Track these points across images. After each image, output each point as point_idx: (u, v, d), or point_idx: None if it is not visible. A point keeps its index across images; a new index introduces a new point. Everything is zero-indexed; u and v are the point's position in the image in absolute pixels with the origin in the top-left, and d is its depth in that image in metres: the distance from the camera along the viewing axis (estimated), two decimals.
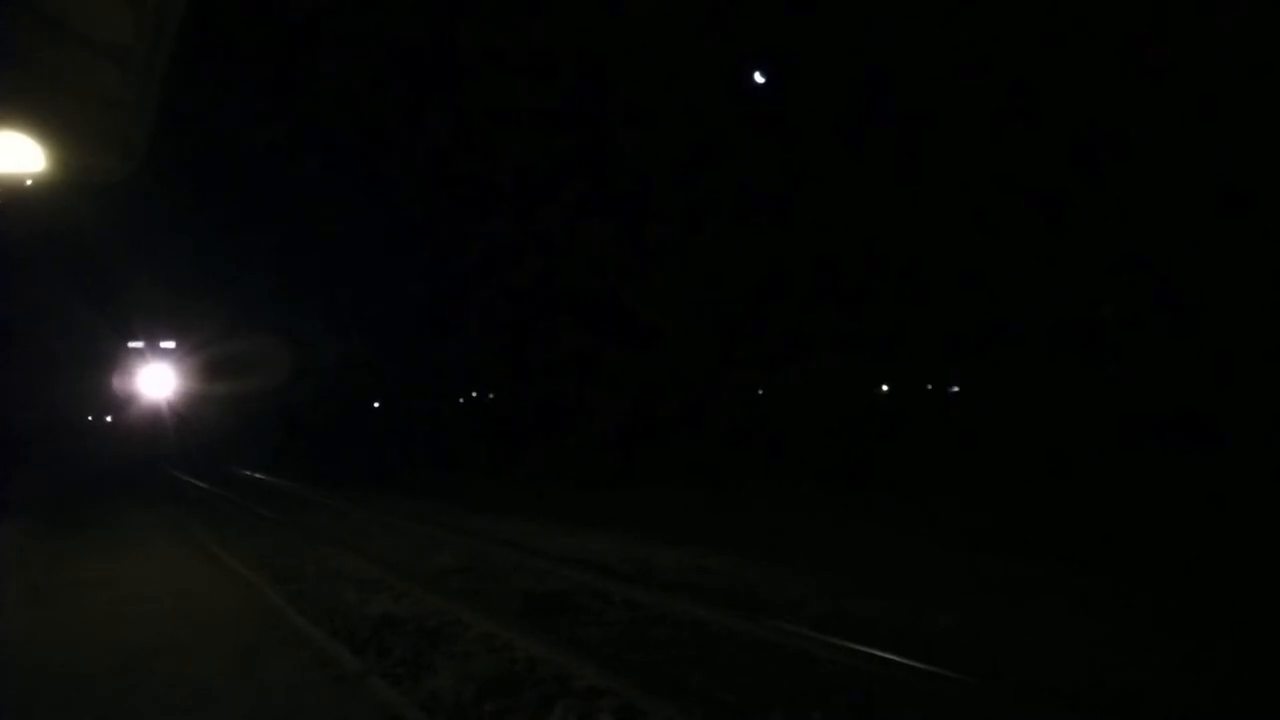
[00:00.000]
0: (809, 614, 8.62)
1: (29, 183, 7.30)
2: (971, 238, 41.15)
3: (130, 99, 6.44)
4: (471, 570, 11.57)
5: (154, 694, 6.46)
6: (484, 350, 57.17)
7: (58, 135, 6.94)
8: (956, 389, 50.76)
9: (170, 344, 50.15)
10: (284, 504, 20.84)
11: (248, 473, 31.59)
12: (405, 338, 58.16)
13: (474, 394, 71.35)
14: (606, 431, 41.06)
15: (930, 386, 52.42)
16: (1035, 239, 38.69)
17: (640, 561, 11.74)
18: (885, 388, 53.81)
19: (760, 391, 55.57)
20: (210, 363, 50.02)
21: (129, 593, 10.10)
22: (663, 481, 23.34)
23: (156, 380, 48.97)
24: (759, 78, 45.25)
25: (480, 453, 38.30)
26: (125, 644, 7.79)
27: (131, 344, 49.91)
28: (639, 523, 14.98)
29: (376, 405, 65.22)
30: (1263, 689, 6.57)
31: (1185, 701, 6.25)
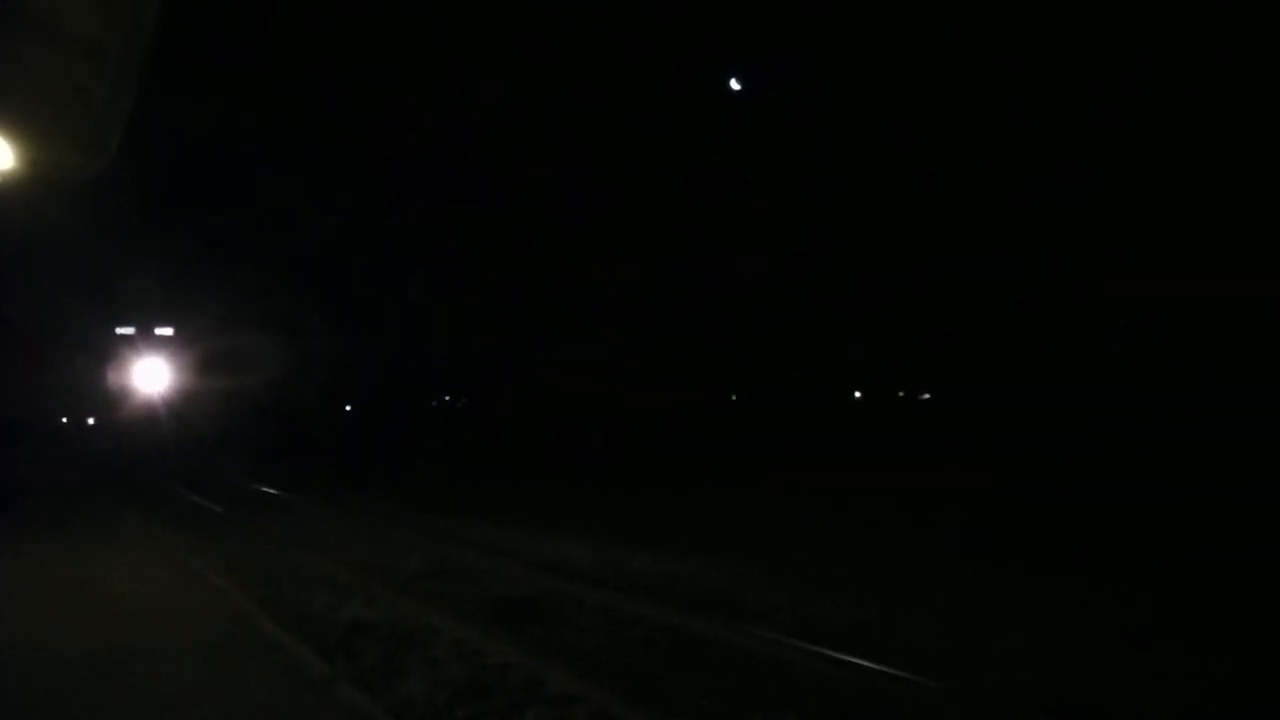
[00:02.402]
0: (784, 619, 8.62)
1: None
2: (947, 245, 41.51)
3: (103, 95, 6.31)
4: (444, 574, 11.49)
5: (123, 699, 6.36)
6: (459, 353, 56.85)
7: (25, 131, 6.80)
8: (928, 395, 51.14)
9: (167, 330, 41.99)
10: (266, 510, 20.62)
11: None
12: (386, 338, 57.38)
13: (447, 398, 71.08)
14: (581, 435, 41.00)
15: (902, 393, 52.77)
16: (1010, 246, 39.07)
17: (614, 566, 11.70)
18: (858, 394, 54.14)
19: (735, 397, 55.75)
20: (210, 355, 42.62)
21: (102, 597, 9.96)
22: (638, 485, 23.28)
23: (151, 373, 40.75)
24: (735, 84, 45.46)
25: (453, 455, 38.06)
26: (96, 647, 7.67)
27: (121, 330, 41.85)
28: (613, 527, 14.92)
29: (349, 408, 64.66)
30: (1247, 692, 6.62)
31: (1161, 706, 6.30)
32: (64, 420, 52.18)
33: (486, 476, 28.29)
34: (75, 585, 10.68)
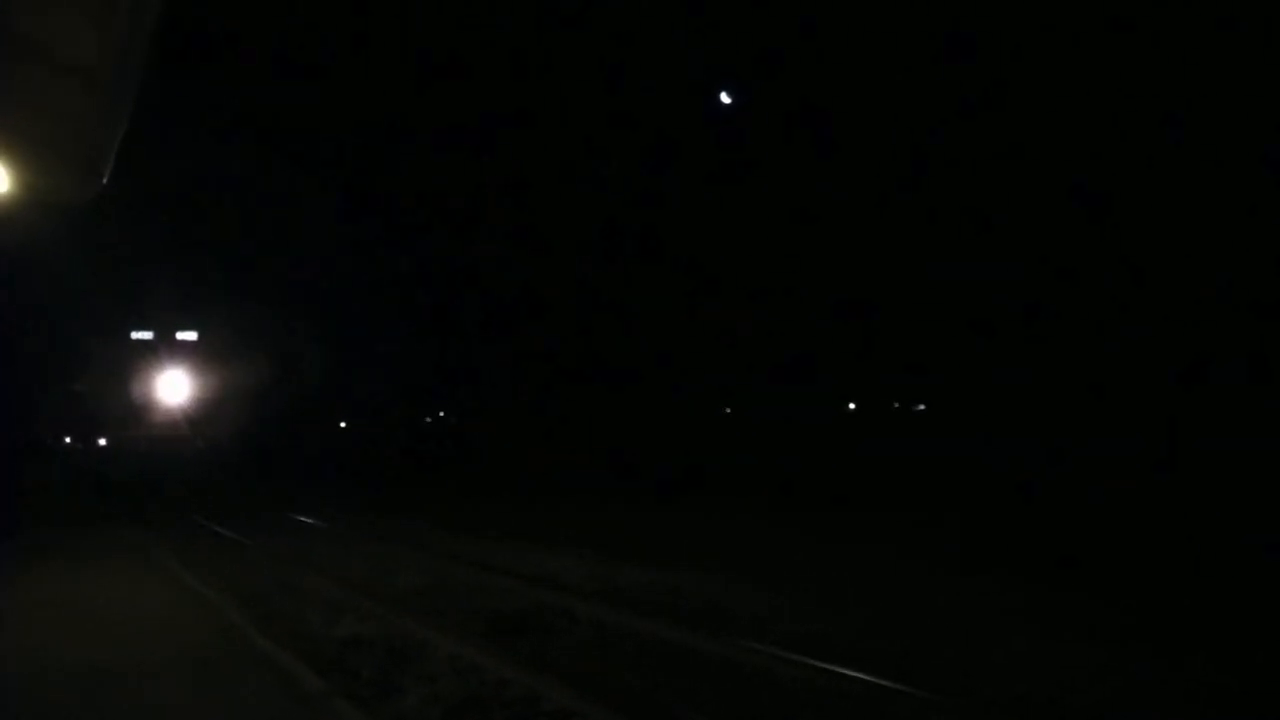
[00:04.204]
0: (776, 632, 8.65)
1: None
2: (942, 259, 41.68)
3: (96, 119, 6.40)
4: (437, 590, 11.51)
5: (117, 714, 6.39)
6: (451, 369, 56.85)
7: (21, 155, 6.87)
8: (923, 406, 51.23)
9: (190, 335, 34.70)
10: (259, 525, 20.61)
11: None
12: (378, 354, 57.13)
13: (440, 414, 71.08)
14: (571, 450, 41.02)
15: (897, 405, 52.88)
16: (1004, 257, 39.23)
17: (606, 580, 11.73)
18: (852, 405, 54.23)
19: (728, 410, 55.81)
20: (232, 365, 36.17)
21: (90, 613, 9.96)
22: (628, 499, 23.31)
23: (174, 384, 33.42)
24: (725, 98, 45.72)
25: (445, 471, 38.04)
26: (89, 664, 7.67)
27: (138, 335, 34.57)
28: (605, 541, 14.96)
29: (344, 425, 64.57)
30: (1247, 700, 6.67)
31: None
32: (67, 440, 44.11)
33: (480, 492, 28.30)
34: (75, 604, 10.68)
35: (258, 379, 38.43)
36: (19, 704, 6.77)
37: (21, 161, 6.74)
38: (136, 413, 34.42)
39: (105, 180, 7.09)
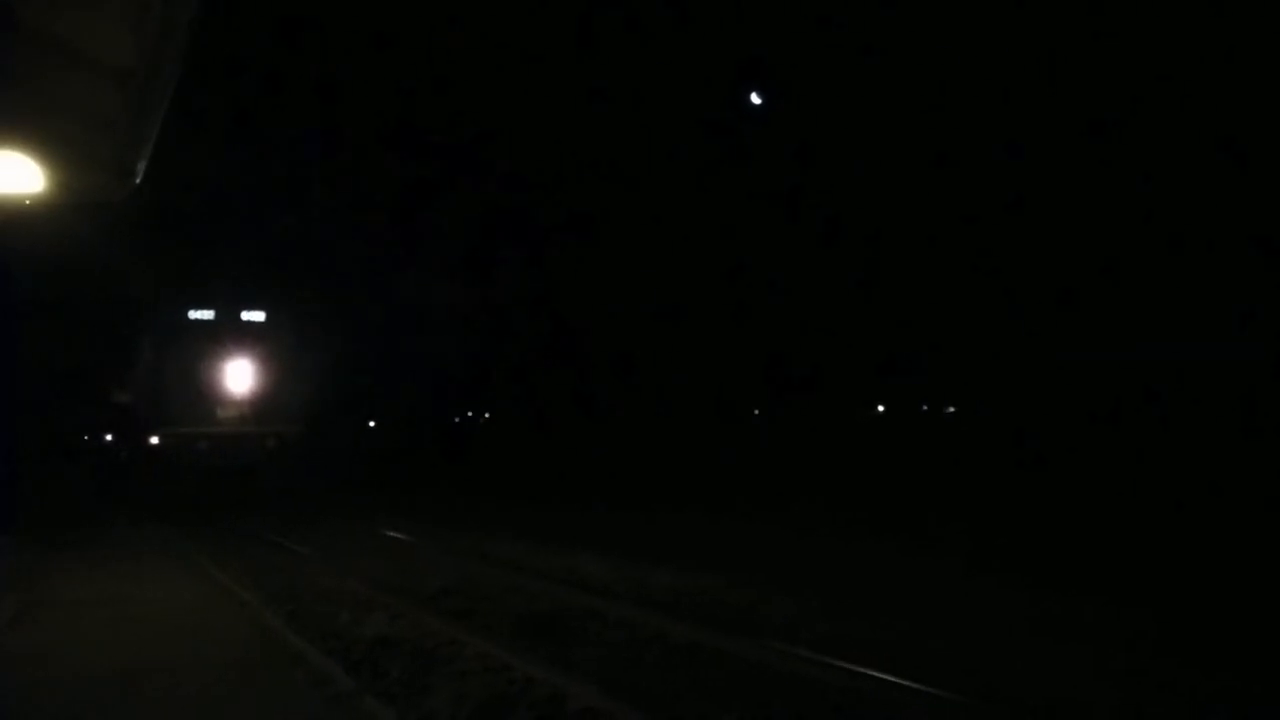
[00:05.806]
0: (806, 635, 8.60)
1: (27, 203, 7.34)
2: (972, 259, 41.41)
3: (130, 121, 6.48)
4: (465, 591, 11.54)
5: (146, 713, 6.45)
6: (476, 367, 57.02)
7: (56, 156, 6.97)
8: (953, 409, 50.90)
9: (257, 315, 30.32)
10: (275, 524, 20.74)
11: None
12: (400, 351, 57.01)
13: (469, 413, 71.44)
14: (599, 450, 41.11)
15: (926, 407, 52.58)
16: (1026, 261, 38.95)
17: (635, 582, 11.70)
18: (881, 408, 53.98)
19: (757, 411, 55.72)
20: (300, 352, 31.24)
21: (122, 612, 10.06)
22: (657, 501, 23.27)
23: (239, 373, 29.04)
24: (755, 98, 45.67)
25: (470, 471, 38.15)
26: (119, 662, 7.75)
27: (195, 314, 29.68)
28: (633, 543, 14.94)
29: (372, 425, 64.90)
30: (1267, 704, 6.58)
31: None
32: (108, 438, 39.70)
33: (505, 494, 28.36)
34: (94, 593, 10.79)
35: (331, 369, 34.78)
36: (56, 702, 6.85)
37: (56, 162, 6.84)
38: (195, 405, 29.48)
39: (138, 180, 7.17)
